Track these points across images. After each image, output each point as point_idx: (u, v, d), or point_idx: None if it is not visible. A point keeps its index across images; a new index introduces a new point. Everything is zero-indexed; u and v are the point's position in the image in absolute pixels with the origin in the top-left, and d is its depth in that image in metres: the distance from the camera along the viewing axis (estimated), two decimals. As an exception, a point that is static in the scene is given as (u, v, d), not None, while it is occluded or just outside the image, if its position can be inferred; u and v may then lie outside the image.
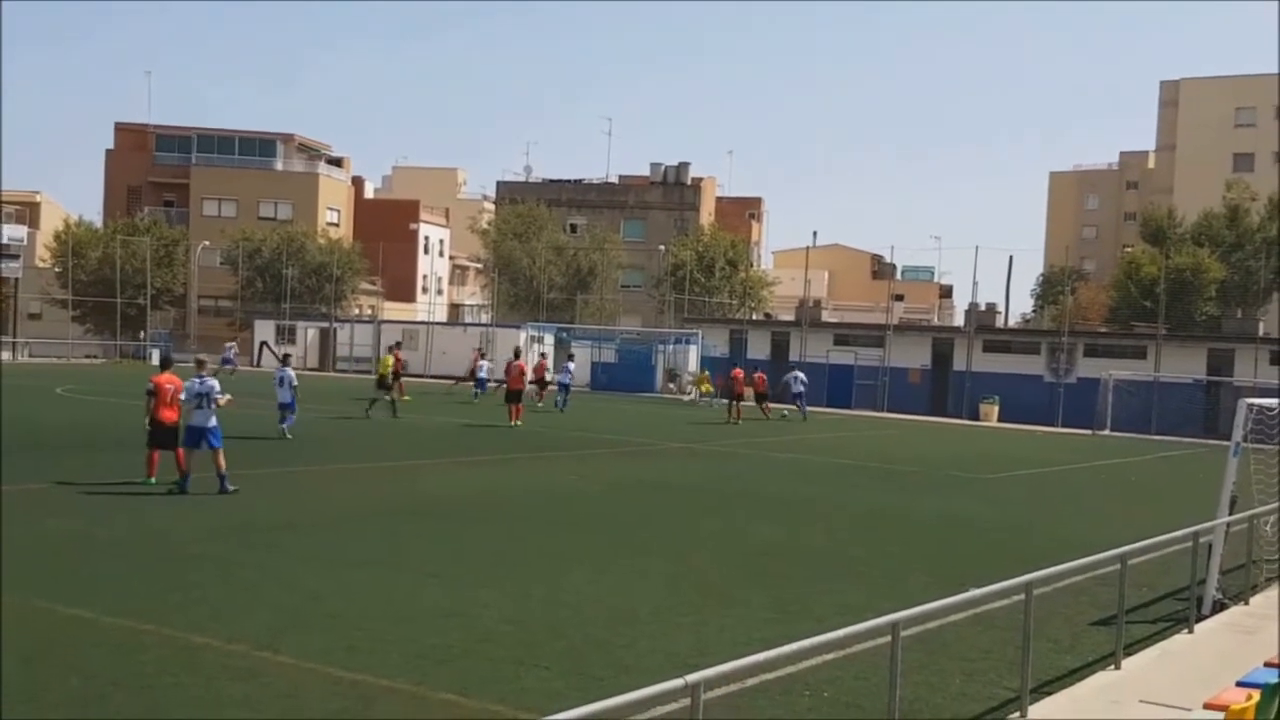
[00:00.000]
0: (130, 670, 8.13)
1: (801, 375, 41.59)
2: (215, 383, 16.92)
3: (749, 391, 39.74)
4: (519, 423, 30.36)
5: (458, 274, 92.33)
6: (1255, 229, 61.37)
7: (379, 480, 19.36)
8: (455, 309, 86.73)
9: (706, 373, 48.03)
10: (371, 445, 25.03)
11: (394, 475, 20.22)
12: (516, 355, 33.64)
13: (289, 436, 24.09)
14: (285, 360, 26.12)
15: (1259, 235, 60.77)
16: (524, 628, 9.92)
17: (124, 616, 9.50)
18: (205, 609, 9.93)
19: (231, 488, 16.18)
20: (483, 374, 40.89)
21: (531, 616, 10.33)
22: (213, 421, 16.55)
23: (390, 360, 32.00)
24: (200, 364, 17.84)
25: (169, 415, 16.48)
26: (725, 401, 39.70)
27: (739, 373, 39.32)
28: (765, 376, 41.42)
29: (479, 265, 77.27)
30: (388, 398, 31.02)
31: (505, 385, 32.25)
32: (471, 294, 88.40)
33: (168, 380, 16.63)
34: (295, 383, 24.72)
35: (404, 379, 35.48)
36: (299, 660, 8.51)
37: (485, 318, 73.53)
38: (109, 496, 15.73)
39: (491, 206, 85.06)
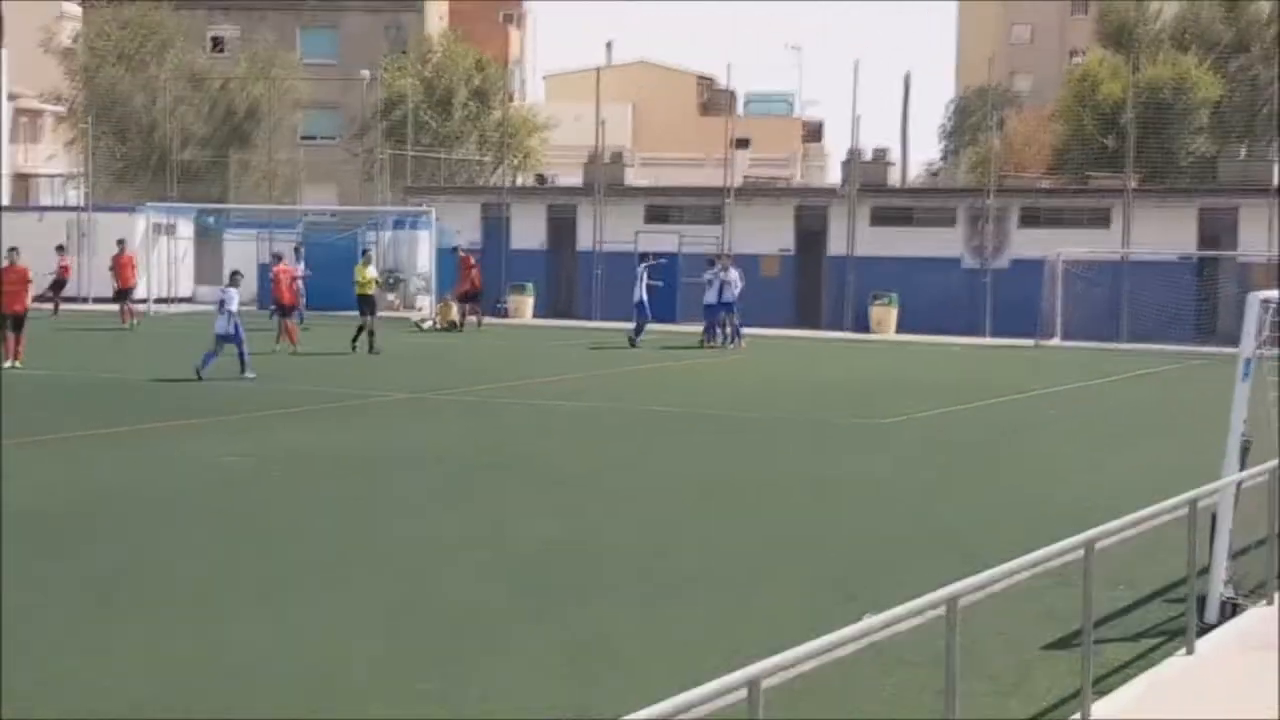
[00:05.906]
0: None
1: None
2: None
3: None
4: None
5: (26, 125, 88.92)
6: (1266, 20, 60.16)
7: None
8: (22, 183, 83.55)
9: (450, 299, 46.65)
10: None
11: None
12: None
13: None
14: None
15: (1272, 28, 59.52)
16: (173, 707, 9.86)
17: None
18: None
19: None
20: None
21: (184, 687, 10.29)
22: None
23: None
24: None
25: None
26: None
27: (468, 258, 45.22)
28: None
29: (61, 110, 74.31)
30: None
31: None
32: (50, 157, 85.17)
33: None
34: None
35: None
36: None
37: (75, 196, 71.01)
38: None
39: (79, 11, 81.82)
